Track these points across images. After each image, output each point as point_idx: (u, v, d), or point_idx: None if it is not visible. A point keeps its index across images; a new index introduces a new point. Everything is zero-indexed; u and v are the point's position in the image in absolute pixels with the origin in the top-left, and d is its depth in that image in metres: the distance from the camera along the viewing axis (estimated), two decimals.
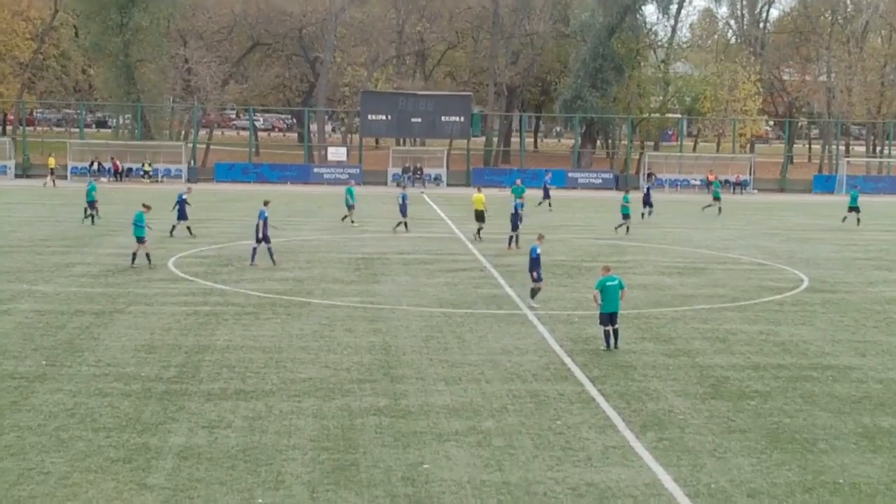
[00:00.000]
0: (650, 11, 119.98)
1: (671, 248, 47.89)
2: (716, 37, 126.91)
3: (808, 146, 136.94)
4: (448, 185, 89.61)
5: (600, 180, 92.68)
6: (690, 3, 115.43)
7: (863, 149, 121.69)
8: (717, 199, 67.68)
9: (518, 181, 60.09)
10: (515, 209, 47.74)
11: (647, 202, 62.22)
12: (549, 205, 67.73)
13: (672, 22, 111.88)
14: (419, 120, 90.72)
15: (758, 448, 19.01)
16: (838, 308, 33.54)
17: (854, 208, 61.40)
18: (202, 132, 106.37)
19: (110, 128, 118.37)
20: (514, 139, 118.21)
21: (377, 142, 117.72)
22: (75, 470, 17.07)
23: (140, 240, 38.88)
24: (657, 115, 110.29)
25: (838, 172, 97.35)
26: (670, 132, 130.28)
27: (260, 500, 15.98)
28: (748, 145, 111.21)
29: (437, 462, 17.81)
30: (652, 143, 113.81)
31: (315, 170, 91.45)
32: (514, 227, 46.96)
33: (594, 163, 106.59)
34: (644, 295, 34.50)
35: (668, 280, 38.46)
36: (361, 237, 49.64)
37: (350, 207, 54.36)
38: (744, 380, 23.87)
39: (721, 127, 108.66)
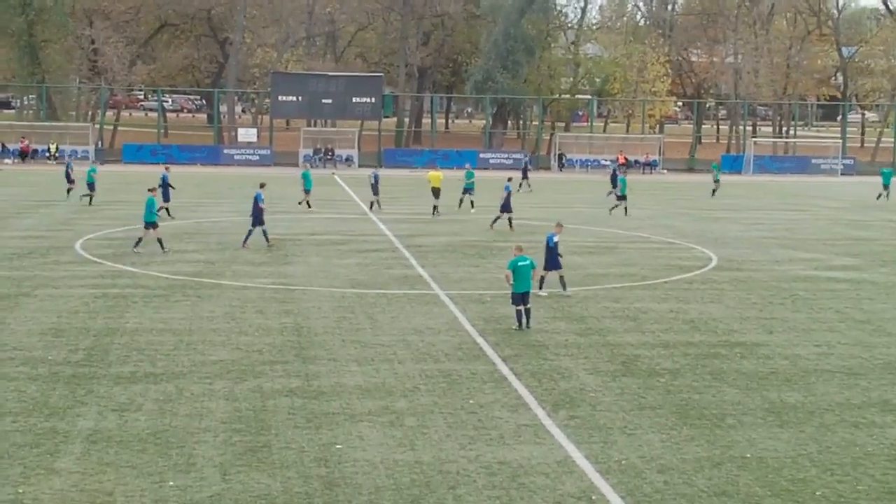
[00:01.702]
0: None
1: (582, 228, 48.19)
2: (625, 19, 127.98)
3: (716, 127, 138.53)
4: (360, 166, 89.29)
5: (511, 161, 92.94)
6: None
7: (769, 129, 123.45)
8: (717, 181, 67.88)
9: (467, 165, 61.02)
10: (506, 191, 47.90)
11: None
12: (529, 185, 68.60)
13: (582, 4, 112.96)
14: (330, 101, 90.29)
15: (668, 424, 19.21)
16: (746, 286, 34.00)
17: (886, 186, 66.35)
18: (109, 113, 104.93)
19: (13, 108, 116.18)
20: (426, 120, 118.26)
21: (288, 123, 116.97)
22: None
23: (151, 225, 37.99)
24: (567, 96, 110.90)
25: (745, 152, 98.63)
26: (581, 113, 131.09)
27: (171, 483, 15.82)
28: (657, 126, 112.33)
29: (349, 442, 17.76)
30: (563, 124, 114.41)
31: (225, 151, 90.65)
32: (503, 210, 47.09)
33: (505, 143, 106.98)
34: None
35: (580, 259, 38.69)
36: (272, 218, 49.27)
37: (306, 192, 53.52)
38: (654, 357, 24.11)
39: (631, 108, 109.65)
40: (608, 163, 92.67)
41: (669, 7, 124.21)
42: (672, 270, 36.80)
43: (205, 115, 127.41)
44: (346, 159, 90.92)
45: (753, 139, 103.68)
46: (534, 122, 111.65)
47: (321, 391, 20.69)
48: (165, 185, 49.15)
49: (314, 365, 22.64)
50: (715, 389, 21.57)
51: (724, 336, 26.63)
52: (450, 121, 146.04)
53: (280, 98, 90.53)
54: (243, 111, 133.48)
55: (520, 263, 26.38)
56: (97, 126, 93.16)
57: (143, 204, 38.53)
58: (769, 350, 25.15)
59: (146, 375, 21.53)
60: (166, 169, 52.84)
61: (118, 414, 18.99)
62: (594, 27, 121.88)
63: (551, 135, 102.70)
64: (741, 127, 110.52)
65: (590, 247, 42.32)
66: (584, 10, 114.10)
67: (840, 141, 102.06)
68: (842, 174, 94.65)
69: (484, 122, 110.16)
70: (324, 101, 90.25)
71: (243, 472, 16.30)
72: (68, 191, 56.35)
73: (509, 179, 50.77)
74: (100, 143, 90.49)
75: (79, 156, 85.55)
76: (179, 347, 23.84)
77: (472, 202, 54.17)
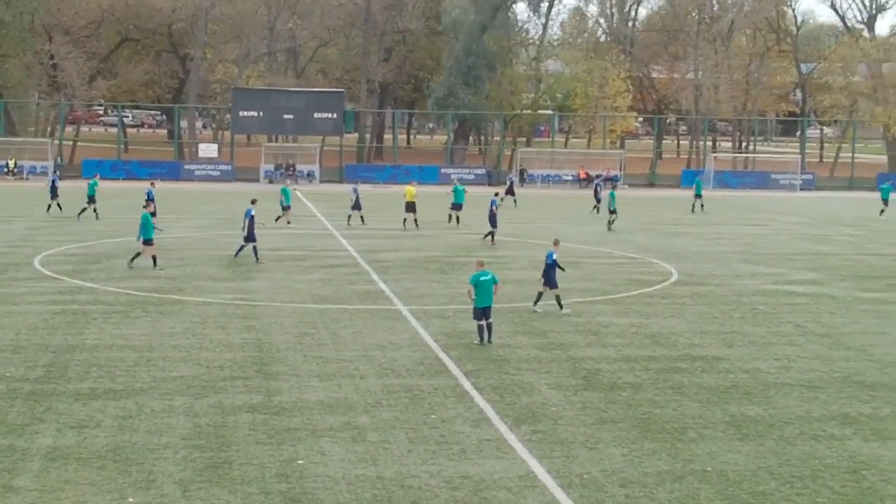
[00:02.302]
0: (521, 9, 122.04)
1: (544, 244, 48.16)
2: (586, 35, 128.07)
3: (676, 142, 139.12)
4: (321, 181, 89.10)
5: (473, 176, 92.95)
6: (561, 1, 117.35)
7: (729, 144, 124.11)
8: (698, 196, 67.97)
9: (455, 180, 61.89)
10: (492, 205, 48.29)
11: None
12: (515, 202, 68.75)
13: (543, 20, 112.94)
14: (291, 117, 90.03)
15: (629, 438, 19.26)
16: (706, 300, 34.17)
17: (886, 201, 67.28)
18: (69, 129, 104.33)
19: None
20: (388, 136, 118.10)
21: (249, 138, 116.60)
22: None
23: (147, 241, 37.75)
24: (529, 111, 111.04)
25: (705, 168, 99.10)
26: (542, 128, 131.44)
27: (131, 500, 15.72)
28: (618, 141, 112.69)
29: (311, 458, 17.71)
30: (524, 139, 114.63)
31: (186, 167, 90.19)
32: (493, 225, 47.72)
33: (467, 158, 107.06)
34: (518, 289, 34.69)
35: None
36: (235, 234, 49.12)
37: (285, 208, 53.11)
38: (615, 372, 24.18)
39: (592, 123, 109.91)
40: (569, 178, 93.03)
41: (630, 24, 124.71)
42: (633, 285, 36.93)
43: (165, 131, 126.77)
44: (308, 175, 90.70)
45: (714, 154, 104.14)
46: (495, 138, 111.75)
47: (283, 407, 20.62)
48: (151, 200, 49.24)
49: (276, 381, 22.56)
50: (676, 403, 21.65)
51: (685, 350, 26.74)
52: (411, 136, 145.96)
53: (241, 114, 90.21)
54: (204, 127, 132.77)
55: (481, 278, 26.41)
56: (56, 141, 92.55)
57: (101, 221, 38.30)
58: (730, 364, 25.27)
59: (106, 392, 21.38)
60: (152, 184, 53.22)
61: (77, 431, 18.85)
62: (555, 43, 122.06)
63: (513, 150, 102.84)
64: (701, 142, 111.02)
65: None
66: (545, 27, 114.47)
67: (799, 156, 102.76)
68: (801, 189, 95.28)
69: (446, 137, 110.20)
70: (285, 116, 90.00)
71: (204, 489, 16.21)
72: (49, 206, 55.92)
73: (496, 194, 51.15)
74: (59, 158, 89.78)
75: (38, 172, 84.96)
76: (140, 364, 23.71)
77: (457, 217, 54.27)
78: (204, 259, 40.59)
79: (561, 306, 30.96)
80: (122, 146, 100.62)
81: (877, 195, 70.78)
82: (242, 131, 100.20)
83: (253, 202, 41.23)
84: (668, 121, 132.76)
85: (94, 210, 53.93)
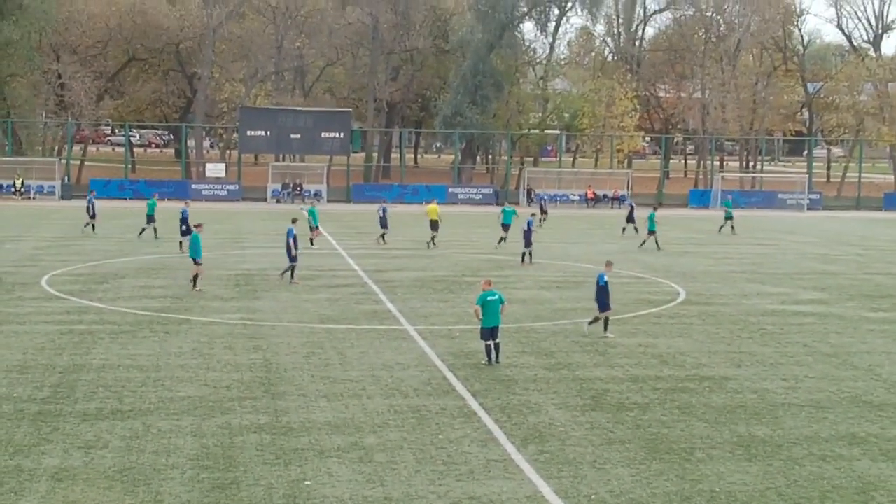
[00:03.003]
0: (528, 28, 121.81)
1: (550, 263, 48.27)
2: (593, 54, 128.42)
3: (683, 161, 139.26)
4: (328, 200, 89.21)
5: (480, 195, 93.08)
6: (568, 20, 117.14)
7: (736, 164, 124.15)
8: (729, 218, 67.49)
9: (506, 203, 62.18)
10: (528, 226, 48.22)
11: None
12: (541, 223, 68.36)
13: (550, 39, 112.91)
14: (298, 136, 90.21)
15: (637, 458, 19.21)
16: (714, 320, 34.12)
17: None
18: (76, 148, 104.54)
19: None
20: (395, 155, 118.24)
21: (256, 158, 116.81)
22: None
23: (196, 261, 37.81)
24: (536, 131, 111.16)
25: (713, 187, 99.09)
26: (549, 148, 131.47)
27: None
28: (626, 160, 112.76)
29: (318, 479, 17.67)
30: (531, 159, 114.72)
31: (193, 186, 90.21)
32: (527, 244, 47.76)
33: (474, 178, 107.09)
34: (524, 309, 34.69)
35: (548, 294, 38.77)
36: (241, 253, 49.20)
37: (313, 229, 53.03)
38: (623, 392, 24.13)
39: (599, 143, 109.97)
40: (577, 197, 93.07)
41: (637, 43, 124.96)
42: (641, 305, 36.89)
43: (172, 150, 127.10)
44: (315, 194, 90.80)
45: (721, 174, 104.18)
46: (502, 157, 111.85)
47: (290, 427, 20.60)
48: (185, 220, 49.35)
49: (283, 401, 22.54)
50: (684, 423, 21.59)
51: (693, 370, 26.69)
52: (419, 156, 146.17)
53: (248, 133, 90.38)
54: (211, 146, 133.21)
55: (488, 298, 26.37)
56: (64, 161, 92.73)
57: (108, 240, 38.35)
58: (737, 384, 25.22)
59: (113, 412, 21.37)
60: (186, 204, 53.28)
61: (84, 451, 18.83)
62: (562, 62, 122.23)
63: (520, 170, 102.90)
64: (709, 162, 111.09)
65: (558, 281, 42.38)
66: (552, 46, 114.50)
67: (806, 176, 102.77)
68: (808, 209, 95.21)
69: (453, 156, 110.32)
70: (292, 136, 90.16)
71: None
72: (87, 224, 56.47)
73: (532, 215, 51.36)
74: (66, 178, 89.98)
75: (45, 191, 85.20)
76: (147, 384, 23.69)
77: (503, 238, 54.38)
78: (211, 279, 40.56)
79: (606, 328, 30.52)
80: (129, 165, 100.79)
81: (884, 215, 70.53)
82: (250, 151, 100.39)
83: (293, 221, 41.45)
84: (675, 140, 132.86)
85: (154, 229, 54.04)
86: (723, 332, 32.02)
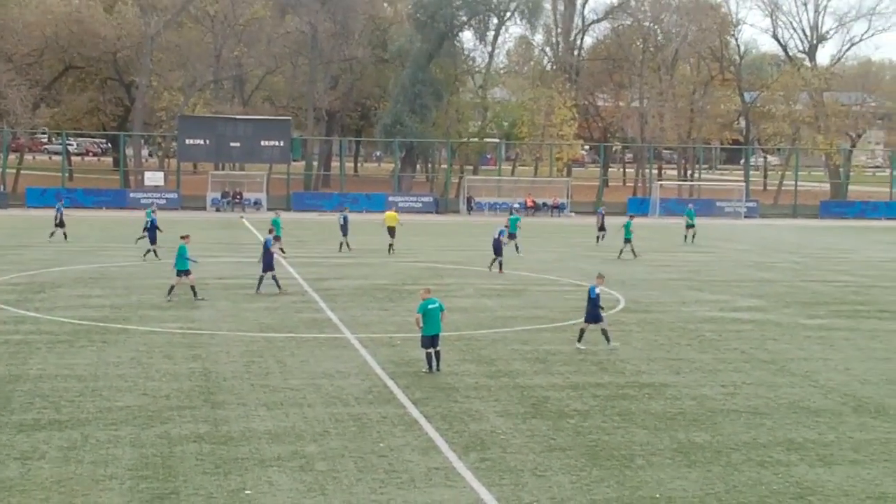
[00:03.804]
0: (468, 38, 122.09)
1: (491, 271, 48.32)
2: (532, 63, 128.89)
3: (622, 170, 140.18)
4: (268, 209, 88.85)
5: (420, 204, 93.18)
6: (507, 30, 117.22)
7: (675, 172, 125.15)
8: (691, 226, 67.62)
9: (513, 209, 64.93)
10: (499, 235, 48.69)
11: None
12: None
13: (489, 48, 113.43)
14: (238, 144, 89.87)
15: (577, 465, 19.29)
16: (653, 327, 34.34)
17: None
18: (12, 157, 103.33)
19: None
20: (335, 163, 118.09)
21: (195, 166, 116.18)
22: None
23: (183, 272, 37.30)
24: (476, 139, 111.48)
25: (651, 195, 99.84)
26: (489, 156, 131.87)
27: None
28: (565, 169, 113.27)
29: (259, 488, 17.58)
30: (471, 167, 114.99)
31: (131, 195, 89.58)
32: (497, 253, 47.98)
33: (414, 186, 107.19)
34: (465, 317, 34.74)
35: (489, 302, 38.84)
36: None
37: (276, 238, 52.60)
38: (563, 399, 24.21)
39: (538, 151, 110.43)
40: (516, 205, 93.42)
41: (576, 52, 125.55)
42: (581, 312, 36.91)
43: (111, 159, 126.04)
44: (255, 203, 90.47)
45: (659, 182, 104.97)
46: (442, 166, 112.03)
47: (230, 436, 20.48)
48: (154, 227, 49.71)
49: (223, 410, 22.41)
50: (624, 430, 21.70)
51: (633, 377, 26.84)
52: (359, 164, 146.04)
53: (187, 141, 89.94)
54: (150, 155, 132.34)
55: (429, 306, 26.37)
56: None
57: (45, 250, 37.95)
58: (676, 391, 25.39)
59: (50, 423, 21.14)
60: (154, 212, 52.59)
61: (21, 462, 18.60)
62: (502, 71, 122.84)
63: (460, 178, 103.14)
64: (647, 170, 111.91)
65: (498, 290, 42.46)
66: (491, 55, 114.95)
67: (743, 184, 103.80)
68: (745, 217, 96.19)
69: (393, 165, 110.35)
70: (232, 144, 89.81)
71: None
72: (52, 234, 56.90)
73: (505, 226, 52.27)
74: (2, 186, 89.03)
75: None
76: (85, 394, 23.46)
77: (516, 246, 54.86)
78: (149, 288, 40.28)
79: (608, 340, 30.25)
80: (67, 174, 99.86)
81: (820, 223, 71.38)
82: (189, 159, 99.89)
83: (270, 231, 41.33)
84: (613, 149, 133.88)
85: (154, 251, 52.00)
86: (662, 340, 32.24)
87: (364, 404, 23.24)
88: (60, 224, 56.97)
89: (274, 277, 39.72)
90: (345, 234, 55.50)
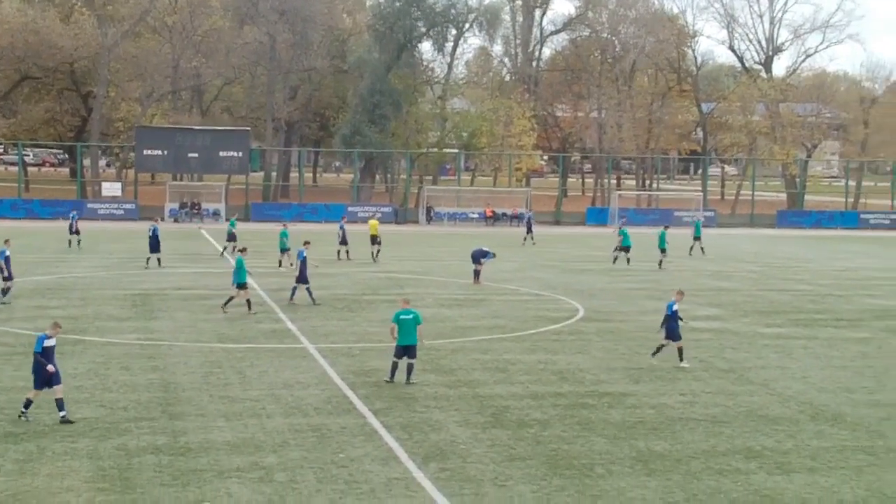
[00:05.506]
0: (426, 48, 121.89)
1: (451, 281, 48.37)
2: (491, 74, 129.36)
3: (581, 180, 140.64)
4: (226, 220, 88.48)
5: (380, 214, 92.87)
6: (465, 41, 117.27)
7: (633, 182, 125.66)
8: (697, 238, 67.96)
9: (622, 223, 64.21)
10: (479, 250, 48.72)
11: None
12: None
13: (448, 59, 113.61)
14: (196, 155, 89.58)
15: (538, 475, 19.29)
16: (613, 337, 34.43)
17: None
18: None
19: None
20: (294, 174, 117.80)
21: (153, 177, 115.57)
22: None
23: (241, 286, 37.07)
24: (435, 150, 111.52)
25: (610, 205, 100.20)
26: (448, 167, 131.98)
27: None
28: (524, 179, 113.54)
29: (218, 499, 17.48)
30: (430, 178, 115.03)
31: (89, 205, 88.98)
32: (476, 262, 48.02)
33: (374, 197, 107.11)
34: (424, 327, 34.59)
35: (448, 312, 38.82)
36: (138, 273, 48.53)
37: (284, 251, 52.16)
38: (524, 408, 24.22)
39: (498, 161, 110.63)
40: (476, 215, 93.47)
41: (534, 63, 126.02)
42: (540, 322, 37.10)
43: (68, 170, 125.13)
44: (213, 213, 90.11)
45: (618, 192, 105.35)
46: (402, 176, 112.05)
47: (188, 448, 20.35)
48: (156, 238, 50.96)
49: (181, 421, 22.27)
50: (584, 439, 21.74)
51: (592, 386, 26.90)
52: (318, 175, 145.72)
53: (145, 152, 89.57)
54: (108, 165, 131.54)
55: (402, 317, 26.30)
56: None
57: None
58: (636, 399, 25.46)
59: (6, 435, 20.94)
60: (156, 222, 53.69)
61: None
62: (461, 82, 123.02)
63: (419, 188, 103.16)
64: (606, 180, 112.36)
65: (459, 299, 42.47)
66: (450, 66, 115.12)
67: (701, 194, 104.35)
68: (703, 226, 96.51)
69: (352, 175, 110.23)
70: (190, 155, 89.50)
71: None
72: (69, 242, 60.07)
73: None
74: None
75: None
76: (41, 406, 23.20)
77: (627, 259, 56.94)
78: (107, 299, 40.03)
79: (682, 359, 29.94)
80: (23, 185, 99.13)
81: (777, 232, 71.80)
82: (146, 170, 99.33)
83: (305, 244, 41.05)
84: (572, 159, 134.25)
85: (158, 259, 51.65)
86: (621, 349, 32.33)
87: (324, 415, 23.16)
88: (76, 232, 60.45)
89: (308, 290, 39.61)
90: (344, 244, 56.51)
